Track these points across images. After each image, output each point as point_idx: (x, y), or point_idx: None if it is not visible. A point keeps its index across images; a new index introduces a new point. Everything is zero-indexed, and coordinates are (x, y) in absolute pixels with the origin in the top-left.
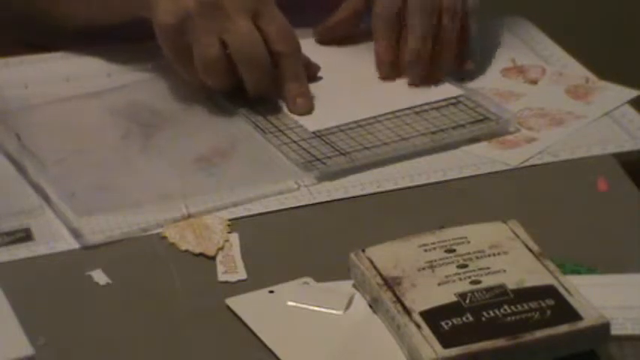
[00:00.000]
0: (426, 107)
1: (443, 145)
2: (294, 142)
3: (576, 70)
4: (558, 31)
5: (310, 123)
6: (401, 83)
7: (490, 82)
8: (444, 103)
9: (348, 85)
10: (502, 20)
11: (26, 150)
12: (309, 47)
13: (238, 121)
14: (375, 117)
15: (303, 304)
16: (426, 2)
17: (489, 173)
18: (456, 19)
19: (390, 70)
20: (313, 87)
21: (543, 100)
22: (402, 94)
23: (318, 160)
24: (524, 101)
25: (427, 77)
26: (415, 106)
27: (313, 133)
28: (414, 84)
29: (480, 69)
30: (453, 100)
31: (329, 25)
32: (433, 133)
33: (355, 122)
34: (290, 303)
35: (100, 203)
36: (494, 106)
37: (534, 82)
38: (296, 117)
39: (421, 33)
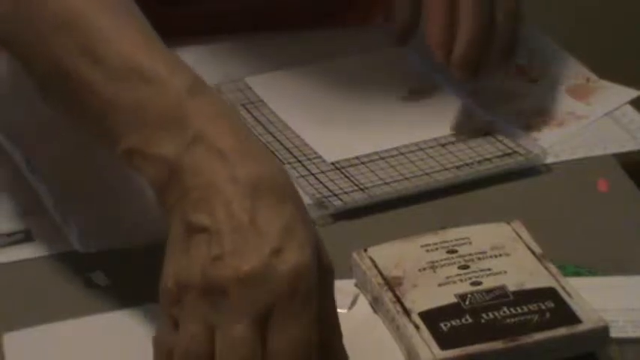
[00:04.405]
0: (452, 139)
1: (467, 180)
2: (312, 174)
3: (577, 70)
4: (559, 30)
5: (330, 153)
6: (427, 111)
7: (491, 81)
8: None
9: (371, 113)
10: None
11: (37, 175)
12: (326, 73)
13: None
14: (397, 148)
15: None
16: None
17: (491, 173)
18: (510, 18)
19: (445, 53)
20: (333, 113)
21: (544, 100)
22: (427, 123)
23: (334, 195)
24: (525, 101)
25: (475, 76)
26: (441, 137)
27: (332, 164)
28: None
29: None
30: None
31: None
32: (457, 167)
33: (377, 153)
34: None
35: (107, 238)
36: (523, 138)
37: (535, 81)
38: (316, 147)
39: (471, 36)
